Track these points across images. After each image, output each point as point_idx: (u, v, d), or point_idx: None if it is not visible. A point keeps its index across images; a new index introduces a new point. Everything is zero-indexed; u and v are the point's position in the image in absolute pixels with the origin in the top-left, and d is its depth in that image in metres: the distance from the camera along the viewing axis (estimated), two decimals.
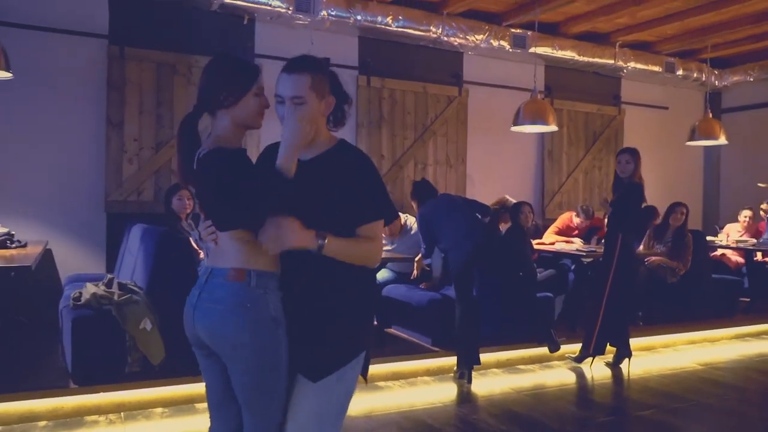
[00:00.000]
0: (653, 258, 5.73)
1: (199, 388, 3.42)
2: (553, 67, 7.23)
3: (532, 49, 6.61)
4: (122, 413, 3.48)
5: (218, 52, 2.02)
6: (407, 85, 6.60)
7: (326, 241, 1.75)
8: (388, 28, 5.96)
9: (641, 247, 5.94)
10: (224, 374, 1.86)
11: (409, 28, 6.04)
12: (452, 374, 4.34)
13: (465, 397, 4.07)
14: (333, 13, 5.70)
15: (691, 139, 7.13)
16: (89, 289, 3.61)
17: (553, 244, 6.03)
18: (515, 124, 6.05)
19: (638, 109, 8.08)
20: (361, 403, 3.75)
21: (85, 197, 5.27)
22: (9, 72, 4.18)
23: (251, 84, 1.86)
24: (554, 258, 5.90)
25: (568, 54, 6.93)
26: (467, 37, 6.31)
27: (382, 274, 5.34)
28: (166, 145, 5.54)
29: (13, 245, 4.29)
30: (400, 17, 5.97)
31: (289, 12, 5.53)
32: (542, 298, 4.96)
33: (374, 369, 4.13)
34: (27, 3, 5.02)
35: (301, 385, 1.83)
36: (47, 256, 5.09)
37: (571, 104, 7.57)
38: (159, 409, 3.56)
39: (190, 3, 5.33)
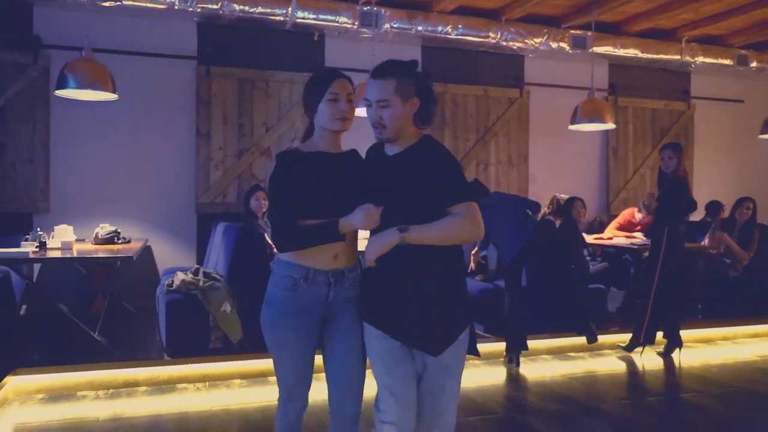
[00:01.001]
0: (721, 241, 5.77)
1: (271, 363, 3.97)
2: (616, 65, 7.33)
3: (593, 49, 6.76)
4: (207, 383, 4.06)
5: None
6: (468, 89, 6.93)
7: (407, 233, 1.93)
8: (448, 36, 6.33)
9: (705, 241, 5.97)
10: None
11: (469, 35, 6.38)
12: (502, 359, 4.65)
13: (513, 379, 4.37)
14: (395, 26, 6.14)
15: (765, 132, 7.01)
16: (179, 276, 4.23)
17: (610, 238, 6.16)
18: (573, 123, 6.24)
19: (710, 103, 7.97)
20: None
21: (178, 200, 5.98)
22: (115, 94, 4.91)
23: (323, 92, 2.07)
24: (617, 253, 6.03)
25: (631, 52, 7.01)
26: (526, 40, 6.56)
27: None
28: (246, 153, 6.18)
29: (120, 241, 5.02)
30: (459, 25, 6.32)
31: (355, 27, 6.02)
32: (593, 290, 5.15)
33: None
34: (129, 33, 5.79)
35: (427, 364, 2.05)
36: (147, 251, 5.84)
37: (638, 101, 7.60)
38: (237, 380, 4.11)
39: (266, 24, 5.92)
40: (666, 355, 4.85)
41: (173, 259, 5.92)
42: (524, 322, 4.60)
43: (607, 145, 7.54)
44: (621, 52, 6.96)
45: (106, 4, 5.31)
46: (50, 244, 4.43)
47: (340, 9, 5.96)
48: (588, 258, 5.73)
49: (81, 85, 4.69)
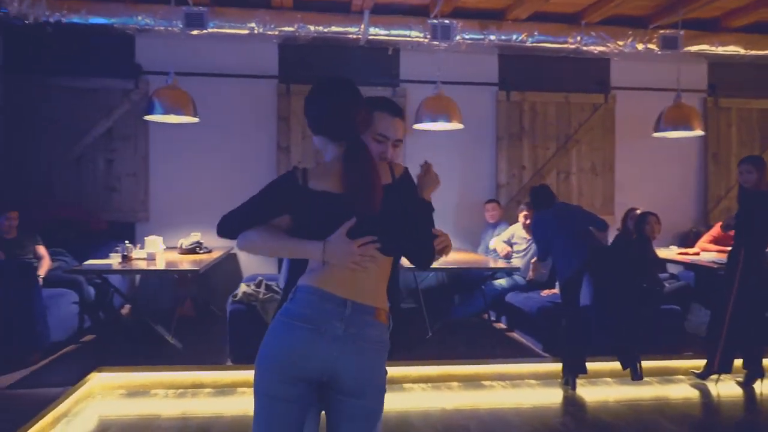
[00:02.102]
0: None
1: None
2: (717, 64, 6.80)
3: (687, 49, 6.32)
4: None
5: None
6: (549, 96, 6.75)
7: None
8: (524, 44, 6.21)
9: None
10: (311, 411, 1.80)
11: (546, 42, 6.21)
12: (559, 380, 4.54)
13: (569, 402, 4.25)
14: (467, 37, 6.13)
15: None
16: (242, 288, 4.56)
17: (697, 253, 5.74)
18: (656, 130, 5.89)
19: None
20: (464, 399, 4.19)
21: None
22: (196, 117, 5.36)
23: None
24: (707, 269, 5.61)
25: (732, 49, 6.46)
26: (608, 44, 6.27)
27: (505, 282, 5.64)
28: None
29: (202, 251, 5.47)
30: (535, 32, 6.17)
31: (427, 41, 6.09)
32: (667, 311, 4.86)
33: (480, 369, 4.54)
34: (212, 56, 6.27)
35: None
36: (232, 259, 6.30)
37: (742, 102, 7.00)
38: None
39: (341, 42, 6.15)
40: (746, 385, 4.49)
41: (257, 266, 6.33)
42: (583, 343, 4.46)
43: (705, 150, 7.01)
44: (720, 50, 6.44)
45: (194, 32, 5.79)
46: (136, 254, 4.94)
47: (411, 23, 6.05)
48: (667, 275, 5.40)
49: (166, 111, 5.17)
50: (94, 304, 5.31)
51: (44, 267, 5.11)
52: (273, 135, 6.42)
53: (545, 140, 6.77)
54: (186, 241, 5.42)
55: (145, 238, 5.30)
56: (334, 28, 5.96)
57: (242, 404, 4.04)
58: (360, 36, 6.03)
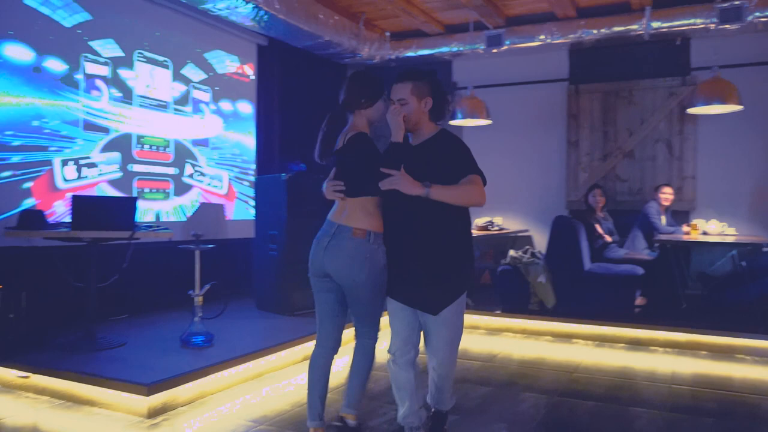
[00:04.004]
0: None
1: (576, 328, 5.01)
2: None
3: None
4: (525, 335, 5.28)
5: (356, 70, 2.77)
6: None
7: (431, 188, 2.40)
8: None
9: None
10: (337, 295, 2.63)
11: None
12: None
13: None
14: (761, 15, 5.94)
15: None
16: (510, 253, 5.58)
17: None
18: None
19: None
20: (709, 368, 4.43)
21: (550, 200, 7.25)
22: (489, 119, 6.59)
23: (381, 93, 2.62)
24: None
25: None
26: None
27: None
28: (610, 156, 6.98)
29: (493, 229, 6.65)
30: None
31: (714, 26, 6.11)
32: None
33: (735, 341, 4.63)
34: (508, 68, 7.41)
35: (427, 318, 2.58)
36: (526, 239, 7.32)
37: None
38: (548, 337, 5.19)
39: (626, 39, 6.60)
40: None
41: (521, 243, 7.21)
42: None
43: None
44: None
45: (494, 51, 7.04)
46: None
47: (696, 11, 6.16)
48: None
49: (464, 116, 6.53)
50: None
51: None
52: (563, 131, 7.23)
53: None
54: (480, 221, 6.68)
55: None
56: (616, 28, 6.48)
57: (512, 347, 5.06)
58: (642, 32, 6.41)
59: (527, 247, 5.70)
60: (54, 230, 3.79)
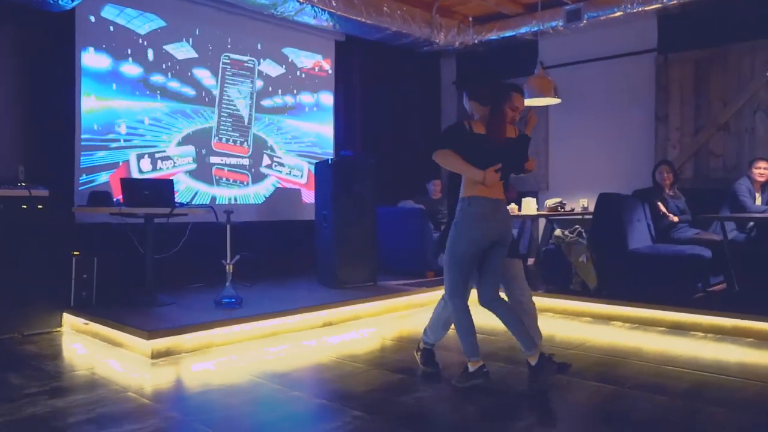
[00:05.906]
0: None
1: (616, 309, 4.89)
2: None
3: None
4: (568, 316, 5.14)
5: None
6: None
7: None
8: None
9: None
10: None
11: None
12: None
13: None
14: None
15: None
16: (557, 233, 5.43)
17: None
18: None
19: None
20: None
21: (641, 178, 6.79)
22: (558, 98, 6.40)
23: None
24: None
25: None
26: None
27: None
28: (703, 130, 6.37)
29: (562, 209, 6.44)
30: None
31: None
32: None
33: None
34: (592, 43, 7.05)
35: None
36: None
37: None
38: (588, 318, 5.01)
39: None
40: None
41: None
42: None
43: None
44: None
45: (573, 26, 6.79)
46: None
47: None
48: None
49: (531, 95, 6.42)
50: None
51: None
52: (650, 106, 6.73)
53: None
54: (550, 202, 6.51)
55: (523, 199, 6.66)
56: None
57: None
58: None
59: (576, 226, 5.50)
60: (114, 207, 4.64)
